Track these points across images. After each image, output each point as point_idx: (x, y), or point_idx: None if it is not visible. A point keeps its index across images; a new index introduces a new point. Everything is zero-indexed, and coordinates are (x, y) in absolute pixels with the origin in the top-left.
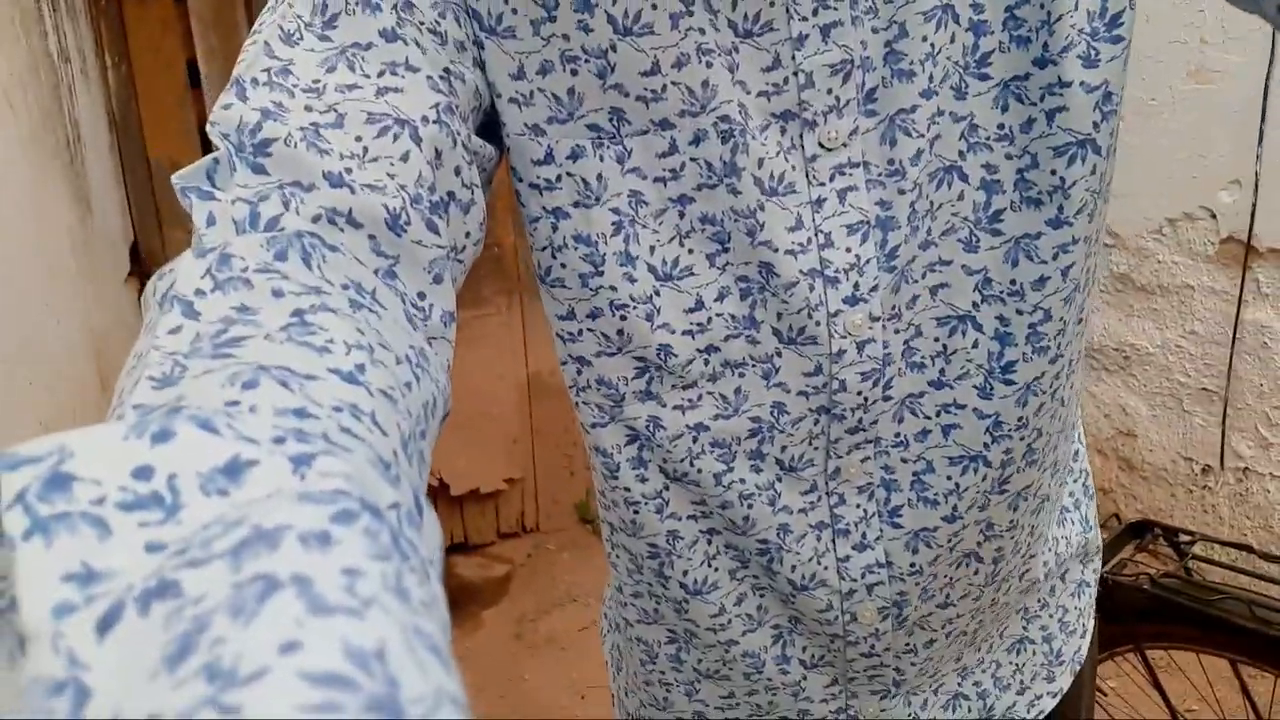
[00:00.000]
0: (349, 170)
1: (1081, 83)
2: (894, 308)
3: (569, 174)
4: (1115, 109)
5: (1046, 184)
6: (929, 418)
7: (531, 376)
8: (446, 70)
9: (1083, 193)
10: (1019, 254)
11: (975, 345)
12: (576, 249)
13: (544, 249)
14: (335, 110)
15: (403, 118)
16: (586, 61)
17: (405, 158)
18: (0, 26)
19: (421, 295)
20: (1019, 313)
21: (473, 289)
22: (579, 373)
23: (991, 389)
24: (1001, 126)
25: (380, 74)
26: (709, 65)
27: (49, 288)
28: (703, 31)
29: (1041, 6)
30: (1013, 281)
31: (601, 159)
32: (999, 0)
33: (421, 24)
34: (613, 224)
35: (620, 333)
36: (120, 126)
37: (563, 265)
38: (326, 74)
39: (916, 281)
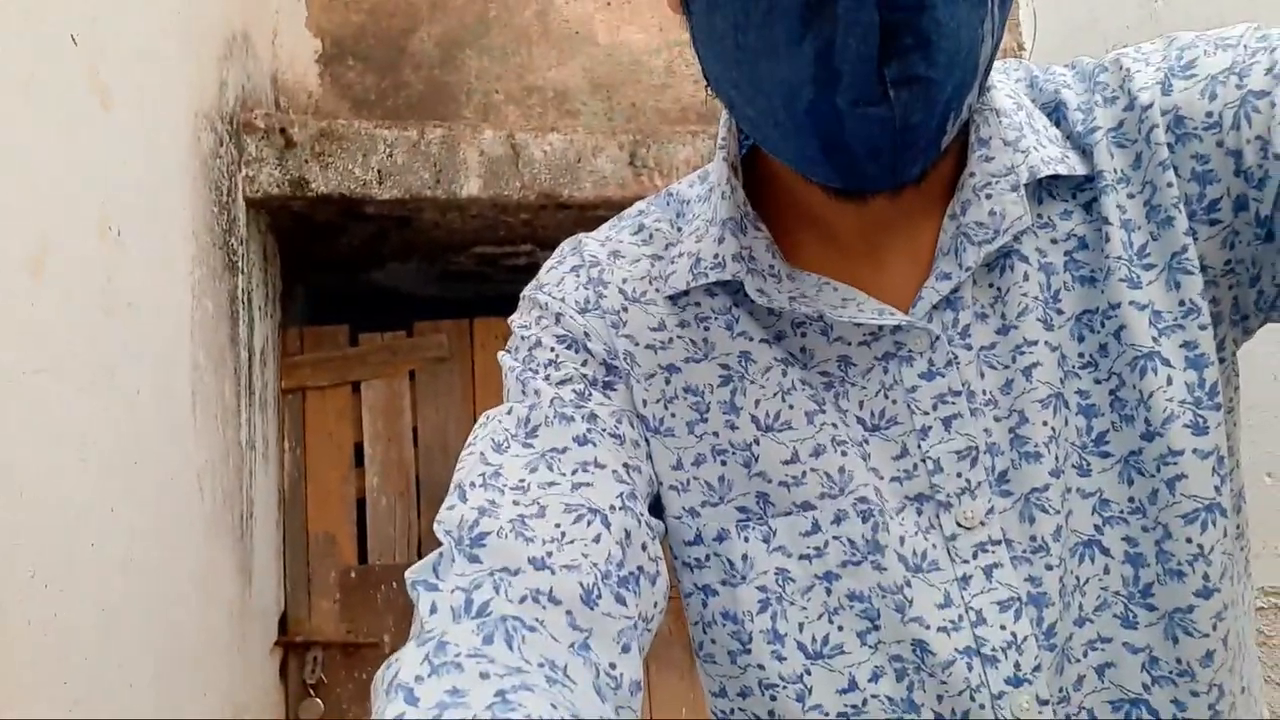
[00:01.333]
0: (550, 554)
1: (1194, 449)
2: (1061, 689)
3: (715, 554)
4: (1232, 470)
5: (1184, 553)
6: None
7: None
8: (626, 464)
9: (1221, 556)
10: (1177, 630)
11: None
12: (725, 625)
13: (696, 624)
14: (538, 504)
15: (594, 506)
16: (734, 454)
17: (598, 539)
18: (205, 420)
19: (613, 665)
20: (1194, 694)
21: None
22: None
23: None
24: (1132, 500)
25: (574, 471)
26: (844, 454)
27: (204, 660)
28: (835, 426)
29: (1134, 387)
30: (1179, 660)
31: (747, 540)
32: (1103, 386)
33: (604, 429)
34: (759, 601)
35: (771, 714)
36: (288, 503)
37: (713, 641)
38: (530, 474)
39: (1079, 661)
